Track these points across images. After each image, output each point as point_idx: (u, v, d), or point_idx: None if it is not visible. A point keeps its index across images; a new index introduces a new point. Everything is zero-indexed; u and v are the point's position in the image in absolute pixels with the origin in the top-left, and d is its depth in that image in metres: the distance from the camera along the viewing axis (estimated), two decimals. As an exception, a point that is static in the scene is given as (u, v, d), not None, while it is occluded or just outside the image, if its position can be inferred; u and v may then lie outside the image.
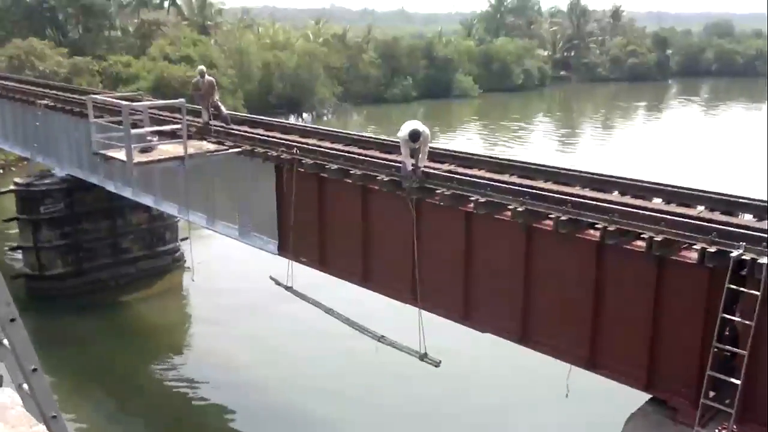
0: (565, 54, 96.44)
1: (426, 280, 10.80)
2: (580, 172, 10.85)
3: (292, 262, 13.42)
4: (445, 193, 10.18)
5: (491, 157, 12.23)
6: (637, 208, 8.62)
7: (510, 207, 9.40)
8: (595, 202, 8.84)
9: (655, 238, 7.91)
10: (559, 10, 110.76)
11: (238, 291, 21.67)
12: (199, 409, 16.67)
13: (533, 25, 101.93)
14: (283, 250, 13.86)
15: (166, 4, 68.81)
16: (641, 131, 59.73)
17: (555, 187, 10.12)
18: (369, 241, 12.06)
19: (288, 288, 13.47)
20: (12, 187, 21.29)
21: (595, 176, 10.52)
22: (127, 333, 20.27)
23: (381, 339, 11.76)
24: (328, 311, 12.76)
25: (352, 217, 12.18)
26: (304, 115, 61.80)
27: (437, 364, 10.80)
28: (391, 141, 13.77)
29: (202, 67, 16.21)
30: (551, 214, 8.95)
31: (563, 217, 8.75)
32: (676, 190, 9.65)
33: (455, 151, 12.78)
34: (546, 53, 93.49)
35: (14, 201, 21.78)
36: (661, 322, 8.30)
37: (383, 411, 15.73)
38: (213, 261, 23.11)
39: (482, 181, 10.15)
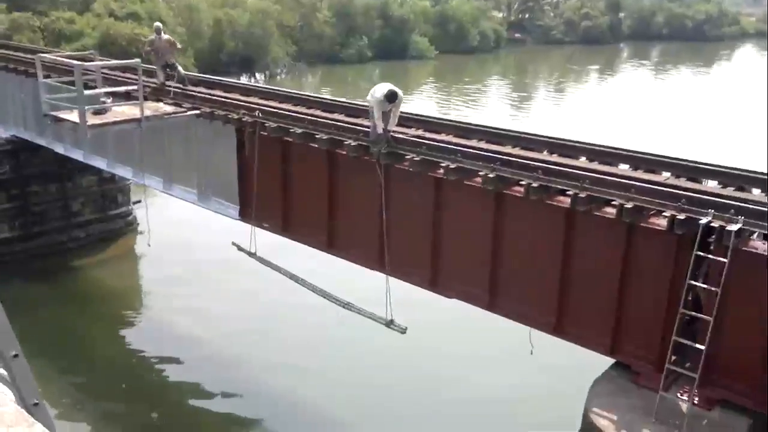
0: (520, 16, 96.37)
1: (394, 246, 10.73)
2: (547, 137, 10.82)
3: (255, 228, 13.19)
4: (415, 158, 10.05)
5: (458, 122, 12.10)
6: (606, 175, 8.66)
7: (480, 173, 9.33)
8: (565, 169, 8.84)
9: (626, 205, 7.97)
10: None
11: (194, 256, 21.25)
12: (151, 378, 16.40)
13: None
14: (244, 216, 13.59)
15: (110, -44, 65.87)
16: (595, 94, 60.46)
17: (524, 153, 10.08)
18: (335, 207, 11.90)
19: (251, 254, 13.25)
20: (-48, 149, 20.21)
21: (562, 142, 10.52)
22: (80, 299, 19.72)
23: (347, 306, 11.71)
24: (293, 277, 12.63)
25: (318, 182, 11.97)
26: (257, 74, 60.42)
27: (403, 331, 10.81)
28: (357, 104, 13.55)
29: (158, 24, 15.52)
30: (522, 180, 8.92)
31: (534, 184, 8.74)
32: (642, 156, 9.74)
33: (421, 116, 12.58)
34: (501, 15, 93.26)
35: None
36: (628, 289, 8.43)
37: (344, 381, 15.71)
38: (168, 225, 22.52)
39: (452, 146, 10.04)
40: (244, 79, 56.12)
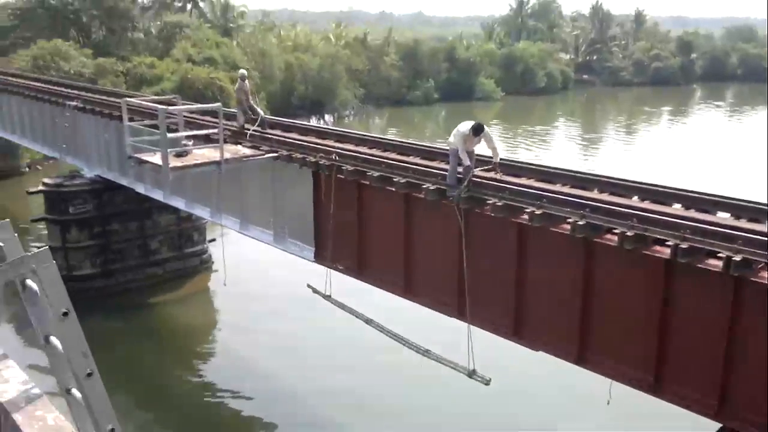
0: (588, 58, 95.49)
1: (475, 294, 10.37)
2: (638, 183, 10.33)
3: (330, 270, 13.08)
4: (497, 203, 9.74)
5: (539, 165, 11.74)
6: (708, 224, 8.13)
7: (569, 220, 8.94)
8: (662, 217, 8.36)
9: (734, 258, 7.42)
10: (581, 14, 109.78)
11: (268, 296, 21.37)
12: (222, 414, 16.33)
13: (555, 28, 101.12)
14: (319, 257, 13.52)
15: (188, 6, 69.08)
16: (667, 136, 58.85)
17: (613, 198, 9.64)
18: (411, 251, 11.66)
19: (326, 297, 13.12)
20: (41, 187, 21.13)
21: (654, 188, 10.00)
22: (155, 335, 20.05)
23: (426, 353, 11.33)
24: (369, 322, 12.38)
25: (394, 226, 11.79)
26: (326, 116, 61.58)
27: (487, 382, 10.35)
28: (432, 147, 13.43)
29: (243, 71, 15.91)
30: (615, 228, 8.48)
31: (629, 233, 8.28)
32: (743, 204, 9.15)
33: (503, 160, 12.29)
34: (568, 57, 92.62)
35: (43, 201, 21.64)
36: (736, 347, 7.81)
37: (419, 426, 15.28)
38: (242, 264, 22.82)
39: (537, 191, 9.70)
40: (313, 121, 57.34)
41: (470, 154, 10.80)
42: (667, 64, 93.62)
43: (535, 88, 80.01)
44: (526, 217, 9.51)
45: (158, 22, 63.04)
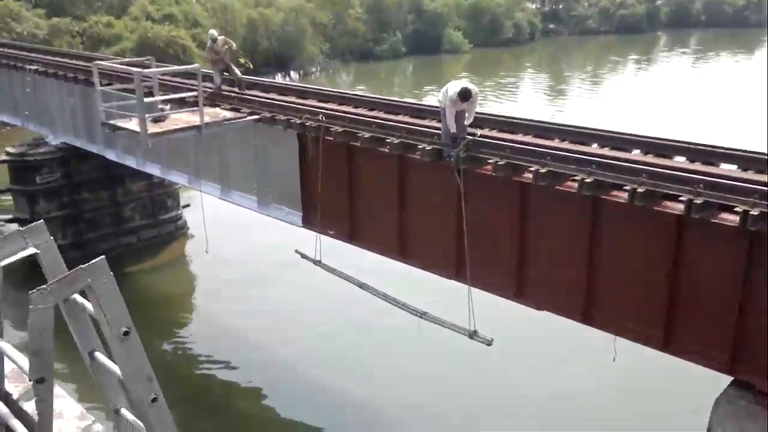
0: (554, 7, 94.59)
1: (475, 256, 10.10)
2: (638, 136, 10.07)
3: (320, 236, 12.69)
4: (499, 162, 9.40)
5: (535, 121, 11.37)
6: (720, 178, 7.91)
7: (576, 178, 8.65)
8: (674, 172, 8.11)
9: (751, 212, 7.23)
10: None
11: (247, 261, 20.96)
12: (204, 384, 16.06)
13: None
14: (308, 223, 13.12)
15: (144, -41, 66.25)
16: (634, 85, 58.92)
17: (617, 153, 9.37)
18: (406, 213, 11.32)
19: (316, 262, 12.75)
20: (4, 156, 20.12)
21: (655, 140, 9.76)
22: (132, 306, 19.26)
23: (423, 315, 11.08)
24: (362, 286, 12.05)
25: (387, 189, 11.41)
26: (292, 73, 60.20)
27: (489, 343, 10.14)
28: (422, 105, 12.99)
29: (212, 31, 15.07)
30: (625, 185, 8.22)
31: (639, 189, 8.02)
32: (746, 155, 8.97)
33: (492, 115, 11.93)
34: (535, 6, 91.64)
35: (7, 171, 20.68)
36: (749, 300, 7.69)
37: (407, 385, 15.18)
38: (221, 229, 22.27)
39: (540, 149, 9.37)
40: (279, 78, 55.95)
41: (460, 113, 10.34)
42: (633, 12, 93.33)
43: (503, 39, 79.15)
44: (529, 175, 9.21)
45: (112, -22, 60.39)
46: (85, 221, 20.65)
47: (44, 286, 2.53)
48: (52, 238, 2.75)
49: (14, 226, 21.44)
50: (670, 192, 7.95)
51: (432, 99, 49.25)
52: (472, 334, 10.25)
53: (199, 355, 17.25)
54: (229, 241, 21.92)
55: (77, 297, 2.53)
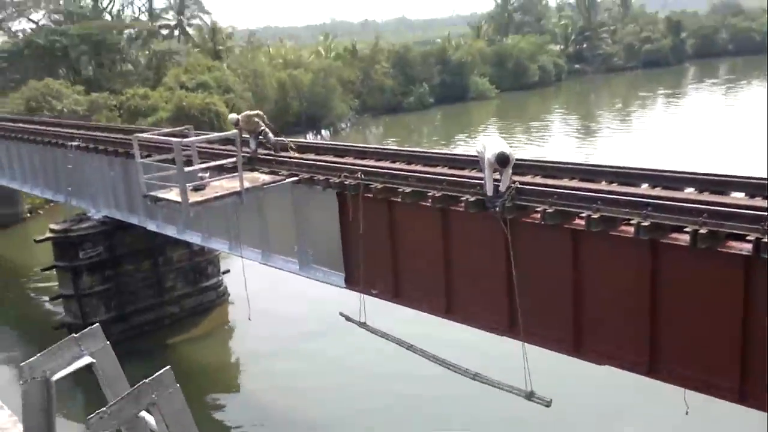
0: (578, 47, 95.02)
1: (526, 308, 9.69)
2: (688, 173, 9.68)
3: (364, 296, 12.39)
4: (548, 210, 9.07)
5: (578, 164, 11.08)
6: (788, 213, 7.46)
7: (631, 222, 8.26)
8: (738, 210, 7.68)
9: (827, 249, 6.75)
10: (567, 2, 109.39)
11: (290, 326, 20.66)
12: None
13: (542, 20, 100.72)
14: (350, 283, 12.84)
15: (175, 32, 68.72)
16: (665, 119, 58.19)
17: (671, 193, 8.98)
18: (451, 269, 10.98)
19: (362, 324, 12.41)
20: (48, 234, 20.45)
21: (708, 177, 9.35)
22: (177, 378, 19.27)
23: (476, 377, 10.62)
24: (411, 348, 11.63)
25: (430, 243, 11.11)
26: (323, 131, 61.05)
27: (548, 404, 9.62)
28: (461, 155, 12.77)
29: (232, 116, 14.96)
30: (686, 227, 7.80)
31: (702, 230, 7.60)
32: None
33: (531, 160, 11.64)
34: (559, 47, 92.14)
35: (51, 248, 20.98)
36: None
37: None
38: (263, 294, 22.12)
39: (589, 193, 9.02)
40: (310, 137, 56.79)
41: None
42: (658, 46, 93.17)
43: (529, 82, 79.55)
44: (580, 221, 8.85)
45: (146, 52, 62.62)
46: (128, 293, 20.72)
47: (104, 408, 2.29)
48: (108, 343, 2.53)
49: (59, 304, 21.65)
50: (735, 231, 7.51)
51: (462, 147, 49.39)
52: (530, 395, 9.74)
53: (239, 424, 16.81)
54: (272, 306, 21.76)
55: (146, 416, 2.29)
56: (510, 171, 9.92)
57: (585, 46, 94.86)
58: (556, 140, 52.00)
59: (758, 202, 8.40)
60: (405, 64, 71.69)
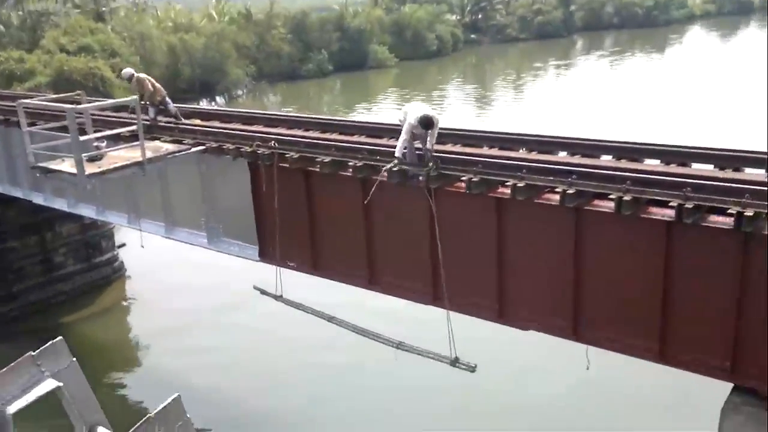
0: (474, 17, 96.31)
1: (451, 278, 9.61)
2: (604, 141, 9.89)
3: (280, 269, 11.93)
4: (473, 179, 8.95)
5: (498, 133, 11.04)
6: (708, 180, 7.70)
7: (556, 189, 8.28)
8: (659, 177, 7.86)
9: (746, 213, 7.01)
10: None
11: (198, 299, 19.80)
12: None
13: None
14: (265, 256, 12.33)
15: (53, -10, 63.54)
16: (556, 88, 60.33)
17: (590, 161, 9.11)
18: (373, 239, 10.73)
19: (278, 297, 11.98)
20: None
21: (625, 145, 9.58)
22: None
23: (399, 345, 10.51)
24: (331, 320, 11.39)
25: (351, 214, 10.79)
26: (218, 98, 58.81)
27: (473, 369, 9.67)
28: (380, 124, 12.46)
29: (126, 70, 14.02)
30: (611, 194, 7.89)
31: (626, 197, 7.71)
32: (716, 153, 8.88)
33: (451, 129, 11.50)
34: (455, 18, 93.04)
35: None
36: (746, 305, 7.47)
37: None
38: (166, 267, 21.09)
39: (514, 162, 8.97)
40: (204, 104, 54.49)
41: (421, 137, 9.84)
42: (549, 18, 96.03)
43: (427, 51, 79.91)
44: (505, 190, 8.80)
45: (20, 12, 57.55)
46: (13, 271, 19.10)
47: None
48: (75, 359, 2.06)
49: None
50: (658, 198, 7.67)
51: (363, 116, 49.09)
52: (454, 362, 9.75)
53: (140, 404, 15.96)
54: (178, 280, 20.80)
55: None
56: (435, 134, 9.72)
57: (480, 16, 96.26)
58: (455, 109, 52.67)
59: (674, 169, 8.65)
60: (302, 30, 70.03)
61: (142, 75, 14.12)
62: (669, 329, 8.03)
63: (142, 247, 13.88)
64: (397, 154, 9.73)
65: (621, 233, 8.12)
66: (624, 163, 8.98)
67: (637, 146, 9.48)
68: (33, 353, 2.16)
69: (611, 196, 7.87)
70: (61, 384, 2.07)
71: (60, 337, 2.05)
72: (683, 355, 8.05)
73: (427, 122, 9.35)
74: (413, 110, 9.68)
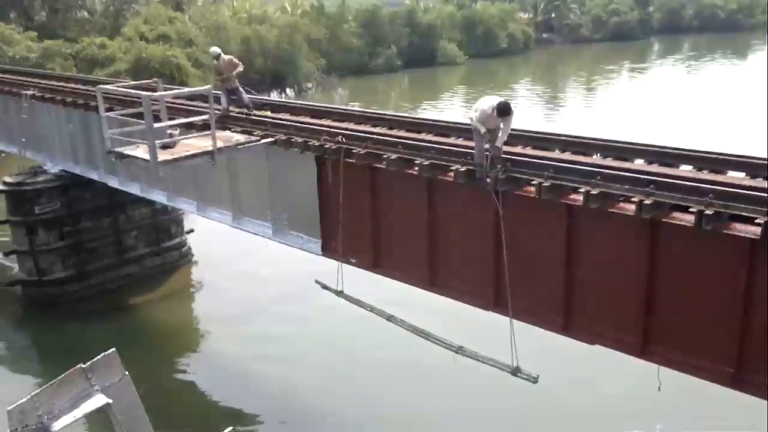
0: (547, 16, 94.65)
1: (516, 284, 9.37)
2: (684, 150, 9.41)
3: (342, 264, 11.93)
4: (544, 184, 8.68)
5: (569, 136, 10.68)
6: (798, 197, 7.23)
7: (633, 199, 7.94)
8: (744, 191, 7.41)
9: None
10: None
11: (256, 288, 20.12)
12: (220, 415, 15.17)
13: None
14: (328, 250, 12.36)
15: (135, -20, 65.67)
16: (629, 92, 58.55)
17: (671, 171, 8.68)
18: (436, 240, 10.57)
19: (338, 293, 11.96)
20: (1, 186, 19.32)
21: (706, 155, 9.09)
22: (137, 340, 18.61)
23: (459, 350, 10.32)
24: (390, 318, 11.26)
25: (415, 213, 10.67)
26: (288, 90, 59.62)
27: (535, 380, 9.40)
28: (449, 122, 12.28)
29: (214, 48, 14.32)
30: (691, 207, 7.51)
31: (708, 211, 7.32)
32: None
33: (522, 130, 11.20)
34: (528, 16, 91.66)
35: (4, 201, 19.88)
36: None
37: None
38: (232, 255, 21.50)
39: (588, 167, 8.66)
40: (274, 96, 55.35)
41: (494, 131, 9.65)
42: (625, 19, 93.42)
43: (498, 49, 79.10)
44: (576, 197, 8.51)
45: (103, 0, 59.80)
46: (86, 251, 19.83)
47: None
48: (127, 373, 2.00)
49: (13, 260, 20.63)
50: (742, 214, 7.25)
51: (430, 113, 48.83)
52: (516, 371, 9.48)
53: (204, 387, 16.33)
54: (243, 269, 21.15)
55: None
56: (509, 127, 9.49)
57: (553, 15, 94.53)
58: (525, 109, 51.77)
59: (762, 183, 8.15)
60: (373, 24, 70.35)
61: (230, 56, 14.32)
62: (746, 354, 7.60)
63: (189, 232, 13.99)
64: (477, 160, 9.52)
65: (699, 248, 7.71)
66: (706, 174, 8.52)
67: (720, 156, 8.98)
68: (84, 365, 2.06)
69: (691, 209, 7.48)
70: (110, 401, 1.97)
71: (113, 349, 1.98)
72: (759, 377, 7.60)
73: (504, 108, 9.12)
74: (486, 100, 9.48)
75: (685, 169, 9.01)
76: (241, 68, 14.08)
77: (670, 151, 9.41)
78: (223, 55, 14.08)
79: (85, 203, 19.54)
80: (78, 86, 19.13)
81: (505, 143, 9.70)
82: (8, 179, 19.20)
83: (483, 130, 9.42)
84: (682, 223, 7.63)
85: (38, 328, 19.42)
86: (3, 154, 31.23)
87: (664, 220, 7.81)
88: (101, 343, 17.57)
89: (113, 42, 47.03)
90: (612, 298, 8.69)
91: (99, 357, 2.16)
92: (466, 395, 14.50)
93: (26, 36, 44.55)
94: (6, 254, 20.99)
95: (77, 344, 17.84)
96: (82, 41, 46.38)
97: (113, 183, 17.35)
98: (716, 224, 7.36)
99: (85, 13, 57.68)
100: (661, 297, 8.19)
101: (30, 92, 18.92)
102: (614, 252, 8.53)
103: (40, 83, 20.21)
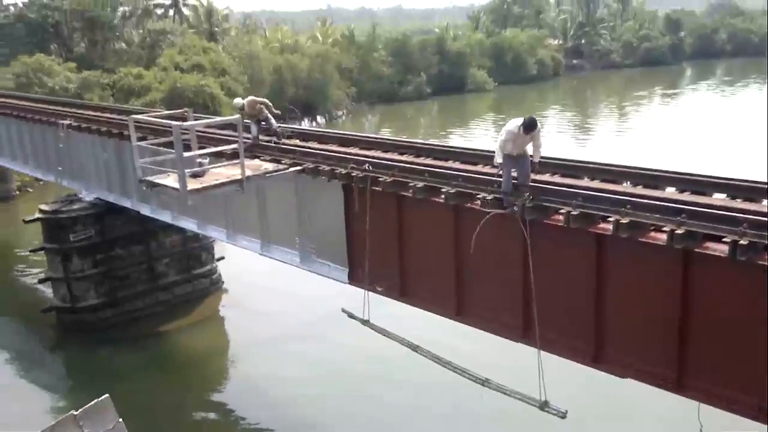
0: (576, 42, 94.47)
1: (544, 314, 9.22)
2: (717, 178, 9.22)
3: (368, 293, 11.87)
4: (572, 212, 8.57)
5: (598, 164, 10.56)
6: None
7: (664, 228, 7.78)
8: (777, 221, 7.21)
9: None
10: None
11: (285, 315, 20.15)
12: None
13: (541, 14, 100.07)
14: (354, 279, 12.33)
15: (170, 12, 67.51)
16: (662, 118, 57.85)
17: (701, 199, 8.51)
18: (462, 268, 10.48)
19: (365, 322, 11.90)
20: (38, 214, 19.77)
21: (740, 183, 8.90)
22: (168, 366, 18.75)
23: (485, 383, 10.15)
24: (416, 349, 11.17)
25: (442, 242, 10.61)
26: (318, 118, 60.28)
27: (563, 415, 9.17)
28: (475, 150, 12.24)
29: (237, 100, 14.35)
30: (725, 237, 7.33)
31: (742, 241, 7.14)
32: None
33: (549, 158, 11.11)
34: (557, 42, 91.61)
35: (40, 229, 20.31)
36: None
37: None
38: (260, 282, 21.60)
39: (617, 196, 8.53)
40: (305, 124, 56.01)
41: (522, 156, 9.61)
42: (656, 44, 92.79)
43: (527, 76, 79.06)
44: (606, 226, 8.37)
45: (140, 31, 61.49)
46: (119, 278, 20.11)
47: None
48: (121, 420, 1.97)
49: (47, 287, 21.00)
50: (775, 244, 7.05)
51: (458, 140, 48.81)
52: (543, 405, 9.28)
53: (234, 413, 16.33)
54: (270, 296, 21.23)
55: None
56: (539, 145, 9.49)
57: (583, 41, 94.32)
58: (554, 136, 51.46)
59: (797, 212, 7.93)
60: (403, 52, 70.98)
61: (250, 97, 14.52)
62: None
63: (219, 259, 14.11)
64: (496, 160, 9.56)
65: (733, 279, 7.50)
66: (739, 203, 8.33)
67: (754, 184, 8.78)
68: (75, 412, 2.01)
69: (725, 239, 7.30)
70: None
71: (106, 395, 1.95)
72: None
73: (530, 123, 9.15)
74: (511, 122, 9.51)
75: (718, 197, 8.85)
76: (263, 103, 14.26)
77: (703, 179, 9.23)
78: (242, 100, 14.24)
79: (118, 231, 19.85)
80: (113, 116, 19.58)
81: (532, 171, 9.66)
82: (44, 207, 19.64)
83: (514, 152, 9.40)
84: (716, 253, 7.44)
85: (71, 354, 19.70)
86: (42, 183, 32.15)
87: (696, 250, 7.62)
88: (132, 369, 17.88)
89: (149, 72, 48.22)
90: (644, 329, 8.48)
91: (92, 403, 2.08)
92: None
93: (66, 67, 45.94)
94: (41, 281, 21.39)
95: (109, 370, 18.04)
96: (119, 71, 47.67)
97: (145, 211, 17.62)
98: (751, 255, 7.16)
99: (123, 44, 59.37)
100: (695, 328, 7.96)
101: (66, 122, 19.41)
102: (646, 283, 8.35)
103: (76, 113, 20.73)
